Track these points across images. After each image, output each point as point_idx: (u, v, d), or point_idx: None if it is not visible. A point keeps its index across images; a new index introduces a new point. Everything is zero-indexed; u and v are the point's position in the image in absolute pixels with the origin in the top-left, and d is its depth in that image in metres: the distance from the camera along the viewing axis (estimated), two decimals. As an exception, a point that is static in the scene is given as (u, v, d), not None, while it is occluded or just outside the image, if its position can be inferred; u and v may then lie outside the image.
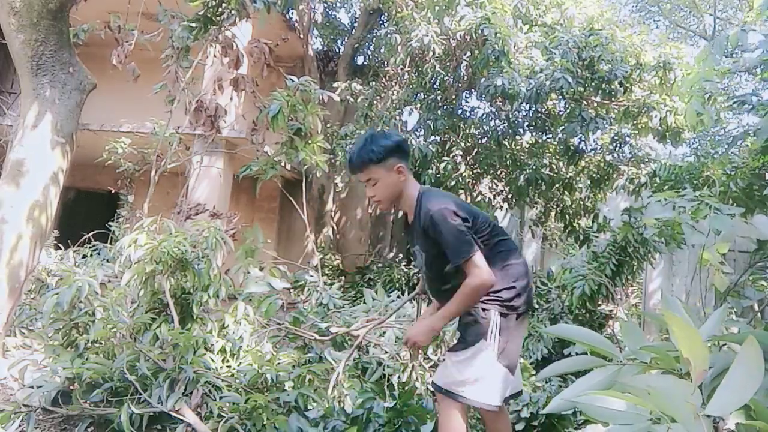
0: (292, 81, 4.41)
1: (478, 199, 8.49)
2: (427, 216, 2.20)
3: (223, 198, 8.65)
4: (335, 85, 8.94)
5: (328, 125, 9.44)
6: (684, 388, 0.87)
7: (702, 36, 16.62)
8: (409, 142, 7.85)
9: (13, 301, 3.68)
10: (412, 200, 2.36)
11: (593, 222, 8.23)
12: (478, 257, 2.14)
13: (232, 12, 4.82)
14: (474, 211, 2.32)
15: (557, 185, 8.38)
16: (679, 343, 0.91)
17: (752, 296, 3.07)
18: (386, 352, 3.85)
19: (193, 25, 4.79)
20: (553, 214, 8.97)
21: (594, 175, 8.46)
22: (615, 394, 0.90)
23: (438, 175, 8.07)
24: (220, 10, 4.76)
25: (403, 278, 8.86)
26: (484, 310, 2.19)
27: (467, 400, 2.16)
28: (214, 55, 5.56)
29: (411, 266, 9.29)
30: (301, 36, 10.15)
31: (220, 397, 2.94)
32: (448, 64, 7.95)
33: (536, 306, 6.74)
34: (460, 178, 8.23)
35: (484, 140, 8.76)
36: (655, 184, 5.08)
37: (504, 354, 2.16)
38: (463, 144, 8.50)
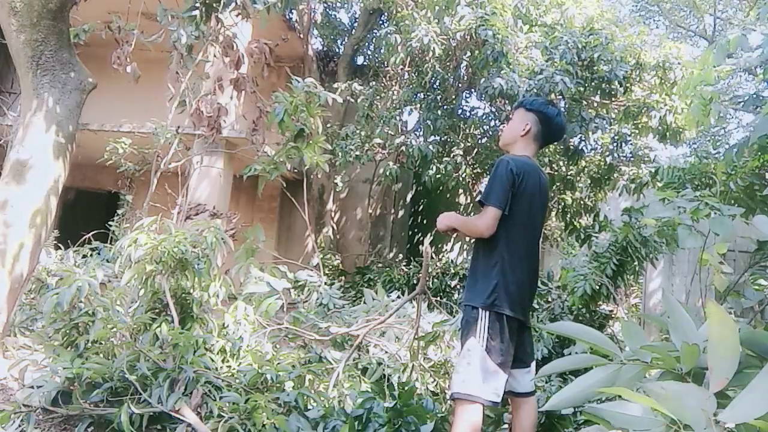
0: (298, 82, 4.40)
1: (479, 198, 8.49)
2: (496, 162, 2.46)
3: (223, 198, 8.65)
4: (335, 85, 8.94)
5: (329, 125, 9.44)
6: (698, 393, 0.85)
7: (702, 36, 16.62)
8: (409, 142, 7.85)
9: (13, 301, 3.68)
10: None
11: (594, 221, 8.23)
12: (495, 213, 2.31)
13: None
14: (524, 172, 2.38)
15: (558, 184, 8.38)
16: (712, 343, 0.89)
17: (752, 297, 3.06)
18: (386, 352, 3.84)
19: (194, 13, 4.75)
20: (553, 213, 8.97)
21: (594, 174, 8.47)
22: (634, 396, 0.88)
23: (438, 175, 8.07)
24: None
25: (403, 278, 8.85)
26: (473, 308, 2.31)
27: (460, 395, 2.22)
28: (214, 55, 5.56)
29: (411, 266, 9.29)
30: (301, 36, 10.14)
31: (220, 397, 2.94)
32: (448, 64, 7.95)
33: (536, 306, 6.74)
34: (460, 178, 8.23)
35: (484, 140, 8.76)
36: (658, 186, 5.08)
37: (494, 351, 2.22)
38: (463, 144, 8.49)
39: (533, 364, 2.49)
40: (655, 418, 0.88)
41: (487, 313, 2.26)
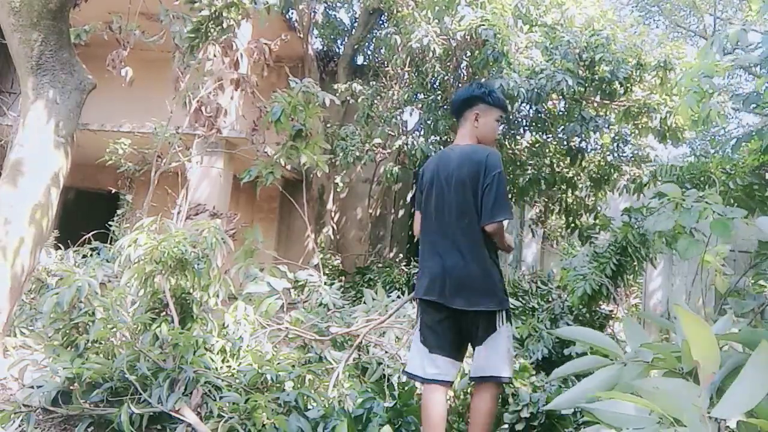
0: (296, 82, 4.41)
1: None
2: None
3: (223, 198, 8.64)
4: (335, 85, 8.93)
5: (328, 125, 9.43)
6: (691, 390, 0.86)
7: (702, 36, 16.62)
8: (411, 143, 7.85)
9: (13, 301, 3.68)
10: None
11: (595, 220, 8.24)
12: (416, 215, 2.69)
13: (232, 22, 4.85)
14: (425, 168, 2.68)
15: (559, 184, 8.38)
16: (691, 343, 0.90)
17: (752, 299, 3.06)
18: (386, 352, 3.84)
19: (193, 35, 4.81)
20: (555, 212, 8.98)
21: (594, 174, 8.47)
22: (625, 397, 0.89)
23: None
24: (220, 20, 4.79)
25: (403, 278, 8.84)
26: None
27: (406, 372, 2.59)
28: (214, 55, 5.56)
29: (411, 266, 9.28)
30: (301, 36, 10.14)
31: (220, 397, 2.94)
32: (448, 64, 7.94)
33: (536, 306, 6.74)
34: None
35: (484, 140, 8.73)
36: (658, 182, 5.08)
37: (419, 332, 2.51)
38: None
39: (482, 348, 2.39)
40: (650, 416, 0.89)
41: (416, 300, 2.61)
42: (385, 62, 9.08)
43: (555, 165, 8.43)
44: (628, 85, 7.24)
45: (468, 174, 2.43)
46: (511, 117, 7.96)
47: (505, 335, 2.40)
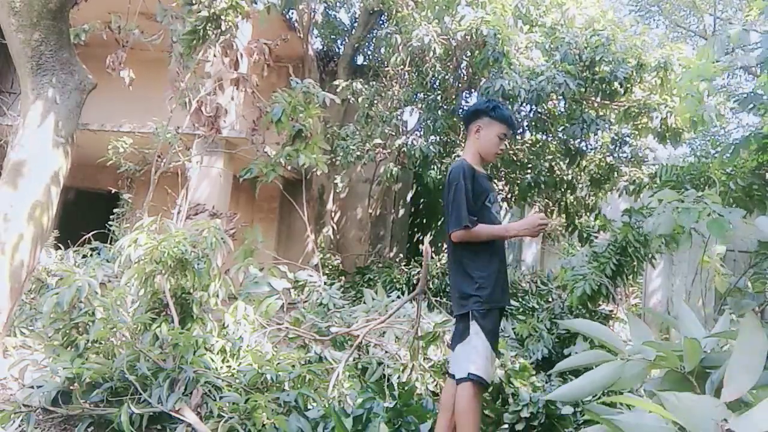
0: (297, 83, 4.42)
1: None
2: None
3: (223, 198, 8.64)
4: (335, 83, 8.92)
5: (328, 125, 9.42)
6: (711, 405, 0.84)
7: (702, 36, 16.62)
8: (410, 142, 7.85)
9: (13, 301, 3.68)
10: None
11: (594, 220, 8.24)
12: None
13: (230, 24, 4.85)
14: None
15: (559, 185, 8.38)
16: (736, 351, 0.87)
17: (753, 299, 3.07)
18: (386, 352, 3.84)
19: (190, 37, 4.80)
20: (555, 212, 8.98)
21: (594, 174, 8.47)
22: (647, 405, 0.87)
23: (439, 176, 8.07)
24: (218, 22, 4.78)
25: (403, 278, 8.84)
26: None
27: None
28: (214, 55, 5.56)
29: (411, 266, 9.28)
30: (301, 36, 10.13)
31: (220, 397, 2.94)
32: (448, 64, 7.94)
33: (536, 306, 6.74)
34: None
35: (484, 140, 8.73)
36: (656, 185, 5.09)
37: None
38: (463, 144, 8.49)
39: (454, 350, 2.56)
40: (666, 425, 0.87)
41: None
42: (385, 62, 9.07)
43: (556, 165, 8.43)
44: (628, 85, 7.23)
45: (446, 191, 2.67)
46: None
47: (473, 336, 2.45)
